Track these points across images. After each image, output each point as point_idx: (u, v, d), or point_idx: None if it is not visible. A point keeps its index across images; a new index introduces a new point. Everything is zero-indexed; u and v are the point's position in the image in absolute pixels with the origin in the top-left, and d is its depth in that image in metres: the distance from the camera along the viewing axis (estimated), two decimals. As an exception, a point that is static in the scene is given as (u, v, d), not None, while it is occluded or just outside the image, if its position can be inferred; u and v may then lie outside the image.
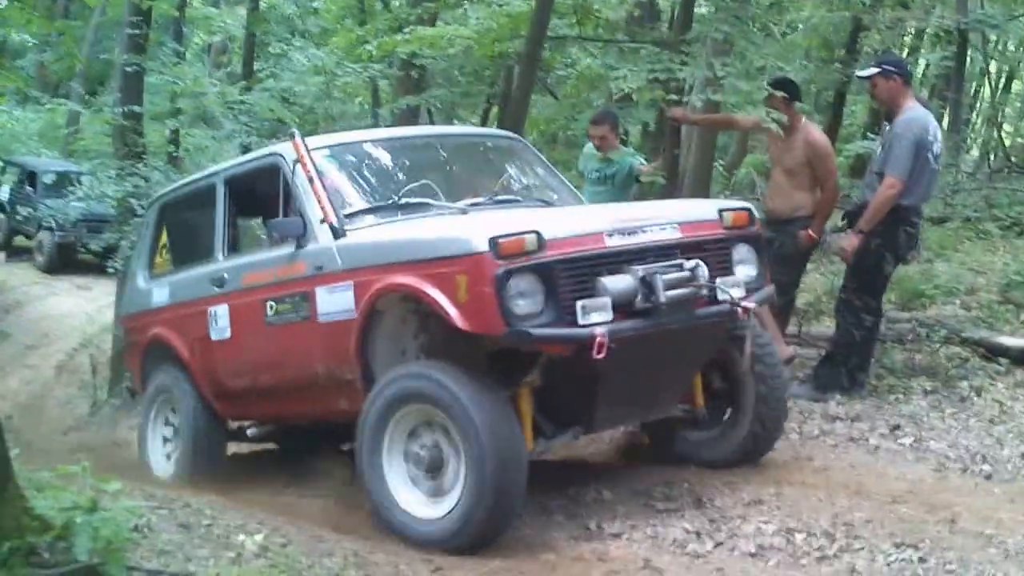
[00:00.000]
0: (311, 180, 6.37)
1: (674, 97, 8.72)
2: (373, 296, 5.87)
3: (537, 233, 5.39)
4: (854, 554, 5.02)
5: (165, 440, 7.81)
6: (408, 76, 13.60)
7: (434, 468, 5.58)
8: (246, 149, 14.08)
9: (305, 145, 6.43)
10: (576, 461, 6.60)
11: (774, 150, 8.33)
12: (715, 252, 5.98)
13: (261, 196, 7.04)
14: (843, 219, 7.99)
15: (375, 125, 13.25)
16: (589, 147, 9.12)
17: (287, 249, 6.49)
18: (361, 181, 6.88)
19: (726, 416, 6.46)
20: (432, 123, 14.32)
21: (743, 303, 5.86)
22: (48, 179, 21.26)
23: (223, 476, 6.94)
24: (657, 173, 8.79)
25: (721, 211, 6.16)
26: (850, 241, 7.52)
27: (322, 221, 6.28)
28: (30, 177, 21.51)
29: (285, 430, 7.87)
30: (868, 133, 14.66)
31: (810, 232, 7.93)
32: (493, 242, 5.30)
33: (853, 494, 5.78)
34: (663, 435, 6.65)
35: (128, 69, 14.40)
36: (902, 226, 7.48)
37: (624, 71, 8.69)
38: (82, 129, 23.21)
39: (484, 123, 14.69)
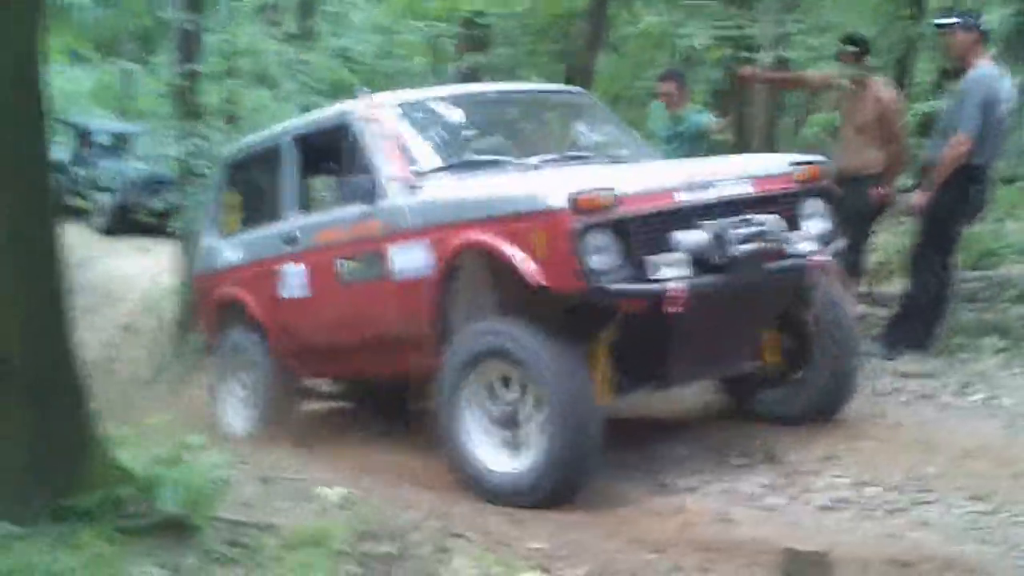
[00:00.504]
0: (383, 138, 6.45)
1: (744, 54, 8.65)
2: (450, 254, 5.90)
3: (613, 189, 5.40)
4: (926, 507, 5.03)
5: (238, 398, 7.81)
6: (471, 35, 13.51)
7: (511, 423, 5.61)
8: (306, 109, 14.08)
9: (376, 103, 6.56)
10: (651, 418, 6.61)
11: (844, 107, 8.27)
12: (787, 206, 5.98)
13: (332, 154, 6.96)
14: (914, 177, 7.92)
15: (437, 84, 13.18)
16: (656, 105, 9.06)
17: (359, 207, 6.48)
18: (432, 138, 6.84)
19: (799, 374, 6.39)
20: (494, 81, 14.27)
21: (814, 257, 5.88)
22: (104, 140, 21.26)
23: (301, 433, 7.00)
24: (726, 130, 8.74)
25: (793, 165, 6.16)
26: (919, 197, 7.48)
27: (394, 179, 6.32)
28: (86, 138, 21.49)
29: (361, 388, 7.90)
30: (935, 91, 14.45)
31: (880, 189, 7.88)
32: (571, 199, 5.31)
33: (925, 449, 5.76)
34: (740, 392, 6.63)
35: (185, 27, 14.44)
36: (972, 184, 7.41)
37: (691, 28, 8.63)
38: (137, 89, 23.23)
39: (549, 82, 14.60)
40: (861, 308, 8.04)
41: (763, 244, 5.68)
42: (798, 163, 6.20)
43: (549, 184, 5.68)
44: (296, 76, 14.82)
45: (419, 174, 6.35)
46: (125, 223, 19.33)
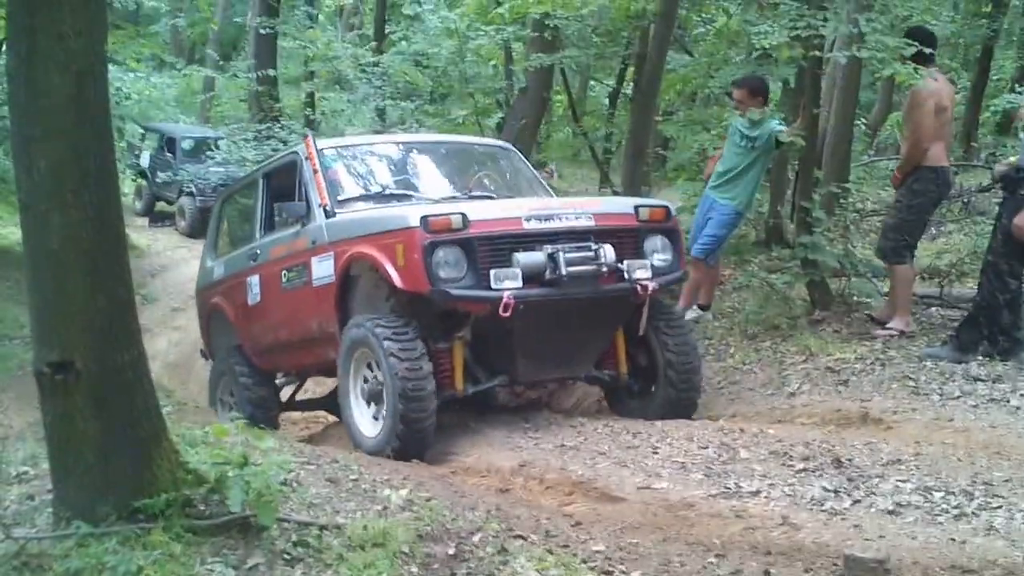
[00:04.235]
0: (315, 172, 7.75)
1: (816, 54, 8.57)
2: (345, 263, 7.23)
3: (463, 215, 6.67)
4: (992, 512, 4.97)
5: (228, 406, 9.03)
6: (541, 37, 13.53)
7: (375, 397, 6.92)
8: (381, 112, 14.25)
9: (315, 145, 7.92)
10: (712, 422, 6.62)
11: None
12: (628, 240, 7.10)
13: (290, 187, 8.13)
14: (992, 179, 7.83)
15: (509, 87, 13.29)
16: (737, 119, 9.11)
17: (296, 228, 7.89)
18: (359, 175, 8.32)
19: (652, 387, 7.39)
20: (566, 83, 14.38)
21: (644, 283, 6.91)
22: (187, 145, 21.55)
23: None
24: (797, 133, 8.68)
25: (637, 207, 7.30)
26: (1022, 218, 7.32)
27: (320, 205, 7.61)
28: (169, 143, 21.81)
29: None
30: (1016, 87, 14.22)
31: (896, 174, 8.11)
32: (424, 219, 6.60)
33: (993, 454, 5.72)
34: (610, 400, 7.85)
35: (262, 31, 14.61)
36: None
37: (764, 28, 8.58)
38: (218, 94, 23.56)
39: (619, 83, 14.62)
40: (933, 310, 7.98)
41: (594, 267, 6.78)
42: (643, 205, 7.36)
43: (415, 209, 6.98)
44: (371, 79, 15.01)
45: (340, 202, 7.70)
46: (208, 225, 19.61)
